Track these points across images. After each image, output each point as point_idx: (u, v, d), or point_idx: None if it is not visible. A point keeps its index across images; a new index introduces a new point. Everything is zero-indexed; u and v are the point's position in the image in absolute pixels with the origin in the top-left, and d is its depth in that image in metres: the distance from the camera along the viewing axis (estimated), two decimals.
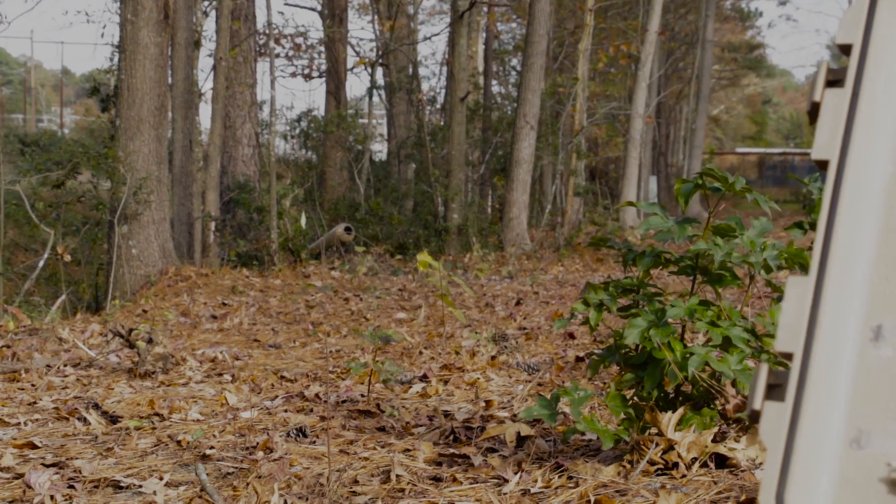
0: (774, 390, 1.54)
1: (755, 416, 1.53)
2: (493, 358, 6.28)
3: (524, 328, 8.35)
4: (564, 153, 22.08)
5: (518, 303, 10.75)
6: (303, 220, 15.95)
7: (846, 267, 1.56)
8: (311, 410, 4.78)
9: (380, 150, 30.10)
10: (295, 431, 4.21)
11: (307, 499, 3.29)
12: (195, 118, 15.16)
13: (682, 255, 3.63)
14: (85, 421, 4.54)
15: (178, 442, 4.15)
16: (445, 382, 5.43)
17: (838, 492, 1.50)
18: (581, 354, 6.36)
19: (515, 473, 3.53)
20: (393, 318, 9.58)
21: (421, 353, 6.73)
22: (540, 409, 3.65)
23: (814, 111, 1.65)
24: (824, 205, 1.58)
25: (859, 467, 1.50)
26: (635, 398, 3.67)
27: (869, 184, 1.60)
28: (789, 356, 1.54)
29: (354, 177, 21.13)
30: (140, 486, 3.49)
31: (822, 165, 1.62)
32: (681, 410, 3.55)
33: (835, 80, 1.65)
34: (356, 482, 3.55)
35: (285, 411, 4.76)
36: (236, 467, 3.74)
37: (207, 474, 3.62)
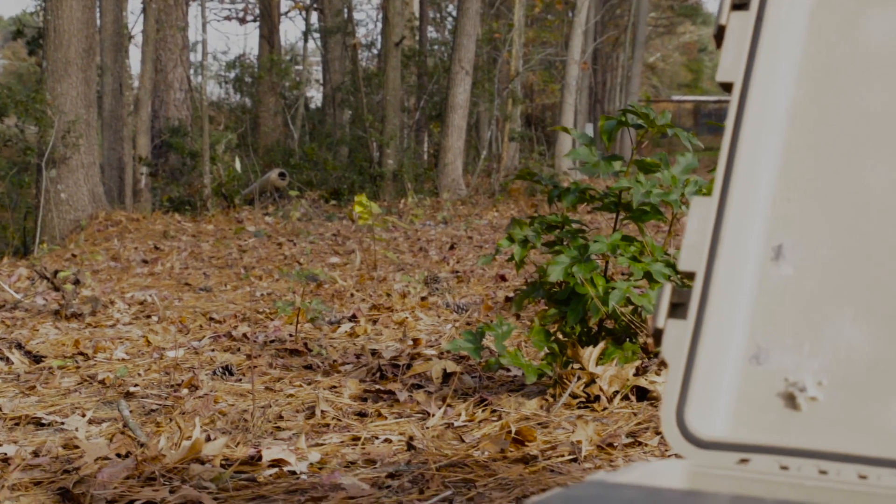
0: (677, 309, 1.56)
1: (658, 335, 1.56)
2: (423, 299, 6.30)
3: (457, 272, 8.38)
4: (500, 99, 22.06)
5: (452, 247, 10.77)
6: (237, 166, 15.83)
7: (748, 188, 1.58)
8: (239, 350, 4.77)
9: (315, 94, 29.87)
10: (221, 370, 4.20)
11: (231, 434, 3.30)
12: (125, 61, 14.92)
13: (605, 192, 3.65)
14: (7, 360, 4.50)
15: (102, 381, 4.13)
16: (374, 322, 5.44)
17: (737, 407, 1.53)
18: (511, 295, 6.40)
19: (440, 408, 3.55)
20: (326, 262, 9.56)
21: (352, 295, 6.73)
22: (464, 344, 3.68)
23: (719, 35, 1.67)
24: (728, 127, 1.60)
25: (758, 383, 1.53)
26: (558, 333, 3.70)
27: (772, 106, 1.61)
28: (692, 275, 1.56)
29: (289, 122, 20.97)
30: (62, 423, 3.47)
31: (727, 88, 1.63)
32: (602, 345, 3.59)
33: (740, 4, 1.66)
34: (281, 418, 3.55)
35: (212, 351, 4.75)
36: (160, 404, 3.73)
37: (131, 411, 3.61)
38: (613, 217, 3.73)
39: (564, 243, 3.61)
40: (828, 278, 1.54)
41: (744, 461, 1.47)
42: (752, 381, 1.54)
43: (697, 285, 1.55)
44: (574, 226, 3.64)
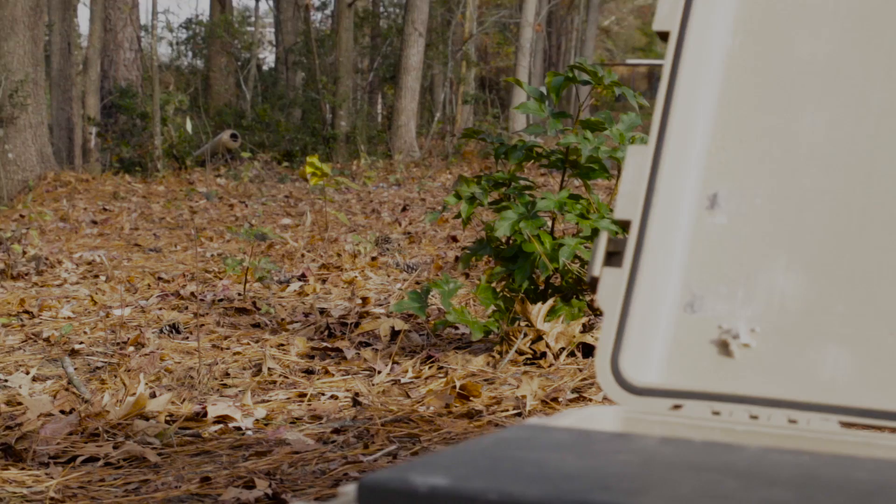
0: (613, 257, 1.57)
1: (594, 283, 1.56)
2: (373, 259, 6.30)
3: (408, 233, 8.38)
4: (454, 62, 21.99)
5: (404, 209, 10.76)
6: (188, 127, 15.70)
7: (684, 137, 1.59)
8: (186, 308, 4.75)
9: (267, 56, 29.62)
10: (168, 328, 4.18)
11: (176, 390, 3.29)
12: (73, 20, 14.72)
13: (552, 150, 3.66)
14: None
15: (47, 339, 4.10)
16: (324, 282, 5.43)
17: (671, 354, 1.55)
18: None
19: (387, 365, 3.56)
20: (278, 223, 9.52)
21: (303, 255, 6.70)
22: (410, 303, 3.68)
23: None
24: (664, 76, 1.60)
25: (692, 330, 1.55)
26: (506, 291, 3.72)
27: (708, 56, 1.62)
28: (627, 224, 1.57)
29: (241, 84, 20.80)
30: (6, 381, 3.45)
31: (664, 37, 1.64)
32: (550, 302, 3.60)
33: None
34: (227, 375, 3.55)
35: (160, 310, 4.72)
36: (106, 362, 3.71)
37: (75, 369, 3.59)
38: (560, 177, 3.74)
39: (512, 200, 3.61)
40: (762, 227, 1.56)
41: (677, 407, 1.48)
42: (686, 328, 1.55)
43: (633, 234, 1.56)
44: (521, 183, 3.64)
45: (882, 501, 0.98)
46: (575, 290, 3.69)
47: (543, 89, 3.52)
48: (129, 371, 3.51)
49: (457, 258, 6.24)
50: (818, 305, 1.50)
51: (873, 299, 1.48)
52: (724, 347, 1.52)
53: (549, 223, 3.70)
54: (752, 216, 1.56)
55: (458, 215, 3.68)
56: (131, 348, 3.88)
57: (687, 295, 1.56)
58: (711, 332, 1.54)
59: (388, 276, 5.67)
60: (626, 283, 1.54)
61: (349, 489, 1.10)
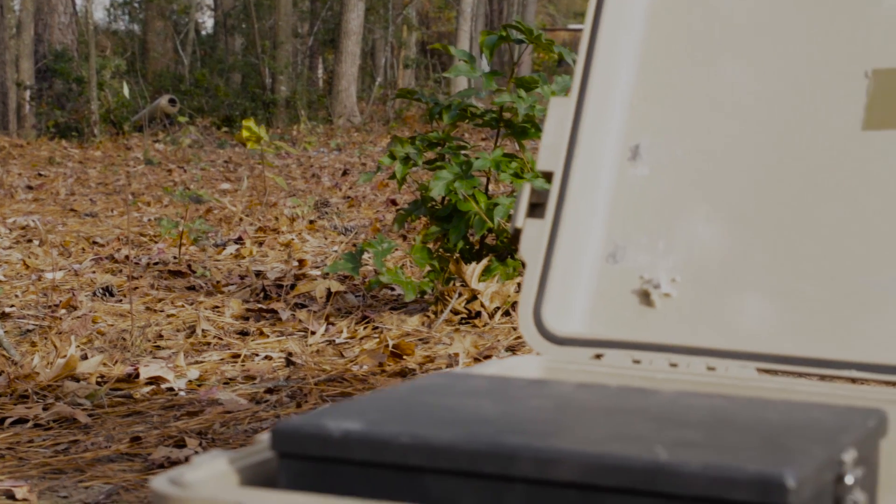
0: (536, 209, 1.57)
1: (517, 235, 1.57)
2: (311, 223, 6.27)
3: (348, 197, 8.35)
4: (395, 26, 21.88)
5: (344, 173, 10.71)
6: (126, 91, 15.52)
7: (606, 89, 1.59)
8: (121, 272, 4.70)
9: (206, 20, 29.29)
10: (101, 291, 4.14)
11: (108, 352, 3.26)
12: None
13: (487, 109, 3.65)
14: None
15: None
16: (260, 244, 5.40)
17: (593, 304, 1.56)
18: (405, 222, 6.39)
19: (322, 326, 3.55)
20: (217, 188, 9.44)
21: (241, 220, 6.66)
22: (344, 263, 3.67)
23: None
24: (585, 28, 1.60)
25: (614, 281, 1.56)
26: (441, 251, 3.72)
27: (630, 9, 1.62)
28: (550, 175, 1.57)
29: (178, 48, 20.57)
30: None
31: None
32: (485, 261, 3.61)
33: None
34: (161, 337, 3.52)
35: (93, 273, 4.68)
36: (37, 325, 3.67)
37: (6, 331, 3.55)
38: (495, 137, 3.74)
39: (446, 160, 3.61)
40: (683, 178, 1.57)
41: (598, 356, 1.49)
42: (608, 279, 1.56)
43: (555, 185, 1.56)
44: (456, 143, 3.64)
45: (790, 440, 1.00)
46: (510, 250, 3.70)
47: (483, 60, 3.51)
48: (60, 333, 3.47)
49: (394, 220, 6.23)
50: (738, 255, 1.52)
51: (792, 249, 1.50)
52: (645, 297, 1.54)
53: (484, 183, 3.70)
54: (673, 167, 1.57)
55: (393, 176, 3.67)
56: (63, 311, 3.84)
57: (609, 246, 1.57)
58: (633, 283, 1.55)
59: (326, 238, 5.66)
60: (548, 234, 1.54)
61: (264, 437, 1.09)
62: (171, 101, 15.64)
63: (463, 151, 3.64)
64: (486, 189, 3.68)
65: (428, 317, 3.60)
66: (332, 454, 1.02)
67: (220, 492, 0.98)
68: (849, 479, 1.01)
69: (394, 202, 7.69)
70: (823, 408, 1.12)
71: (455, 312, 3.58)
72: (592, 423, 1.06)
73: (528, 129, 3.58)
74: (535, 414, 1.08)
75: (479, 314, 3.58)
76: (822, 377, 1.41)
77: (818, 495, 0.98)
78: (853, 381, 1.54)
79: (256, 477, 1.07)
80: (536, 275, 1.53)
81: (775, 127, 1.55)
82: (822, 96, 1.53)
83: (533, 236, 1.54)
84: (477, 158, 3.50)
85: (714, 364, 1.45)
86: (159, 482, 1.00)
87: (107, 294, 4.13)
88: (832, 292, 1.46)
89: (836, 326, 1.45)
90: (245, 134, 7.66)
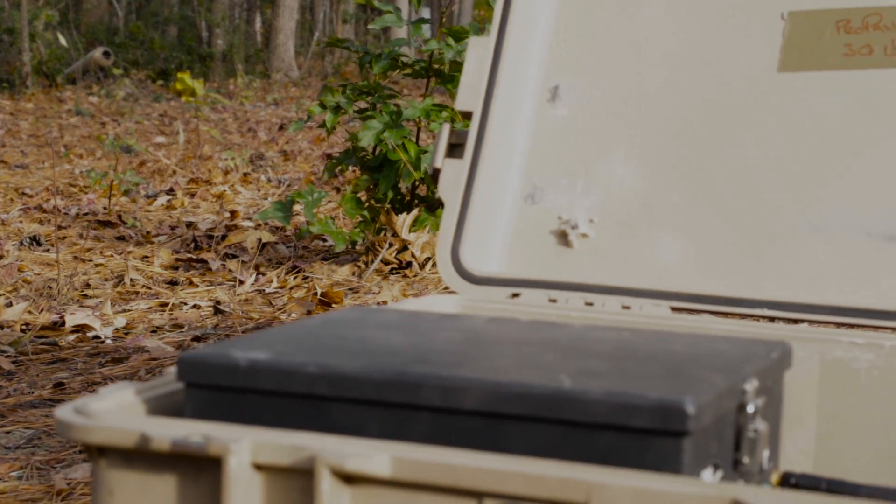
0: (455, 149, 1.57)
1: (436, 175, 1.57)
2: (245, 175, 6.23)
3: (284, 151, 8.30)
4: None
5: (281, 128, 10.63)
6: (62, 41, 15.27)
7: (525, 29, 1.59)
8: (49, 222, 4.64)
9: None
10: (28, 240, 4.09)
11: (34, 301, 3.22)
12: None
13: (417, 59, 3.64)
14: None
15: None
16: (192, 196, 5.36)
17: (511, 245, 1.56)
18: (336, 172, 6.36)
19: (252, 275, 3.53)
20: (152, 142, 9.34)
21: (174, 172, 6.60)
22: (275, 212, 3.66)
23: None
24: None
25: (532, 221, 1.56)
26: (372, 201, 3.71)
27: None
28: (469, 115, 1.57)
29: (113, 0, 20.24)
30: None
31: None
32: (415, 211, 3.61)
33: None
34: (88, 286, 3.49)
35: (20, 223, 4.61)
36: None
37: None
38: (425, 86, 3.73)
39: (377, 109, 3.59)
40: (601, 119, 1.57)
41: (515, 295, 1.50)
42: (526, 219, 1.57)
43: (474, 125, 1.56)
44: (386, 92, 3.62)
45: (693, 370, 1.01)
46: (440, 201, 3.69)
47: (426, 12, 3.50)
48: None
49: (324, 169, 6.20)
50: (655, 196, 1.53)
51: (708, 189, 1.51)
52: (563, 238, 1.55)
53: (415, 132, 3.69)
54: (592, 108, 1.58)
55: (323, 124, 3.65)
56: None
57: (527, 186, 1.57)
58: (551, 223, 1.56)
59: (259, 191, 5.62)
60: (466, 174, 1.54)
61: (172, 369, 1.09)
62: (106, 54, 15.41)
63: (393, 101, 3.63)
64: (417, 139, 3.67)
65: (358, 267, 3.59)
66: (239, 384, 1.01)
67: (124, 421, 0.98)
68: (750, 408, 1.02)
69: (329, 156, 7.65)
70: (728, 340, 1.14)
71: (385, 263, 3.58)
72: (500, 354, 1.07)
73: (457, 77, 3.57)
74: (444, 345, 1.08)
75: (409, 264, 3.58)
76: (734, 315, 1.43)
77: (719, 423, 0.99)
78: (769, 319, 1.56)
79: (164, 408, 1.07)
80: (455, 215, 1.53)
81: (693, 69, 1.56)
82: (738, 38, 1.54)
83: (452, 176, 1.54)
84: (407, 107, 3.49)
85: (629, 303, 1.46)
86: (64, 411, 0.99)
87: (34, 243, 4.07)
88: (747, 232, 1.48)
89: (750, 266, 1.47)
90: (179, 86, 7.58)
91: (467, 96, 1.56)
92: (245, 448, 0.93)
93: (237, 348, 1.04)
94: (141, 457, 0.98)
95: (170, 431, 0.95)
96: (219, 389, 1.02)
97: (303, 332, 1.12)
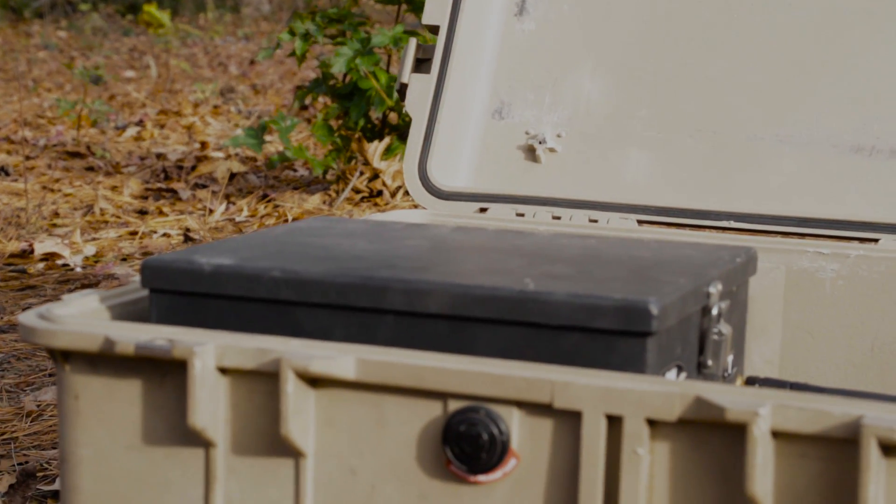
0: (423, 64, 1.56)
1: (403, 90, 1.56)
2: (215, 107, 6.18)
3: (255, 85, 8.23)
4: None
5: (252, 62, 10.54)
6: None
7: None
8: (17, 152, 4.60)
9: None
10: None
11: (3, 230, 3.20)
12: None
13: None
14: None
15: None
16: (162, 127, 5.31)
17: (479, 160, 1.56)
18: (307, 103, 6.32)
19: (222, 204, 3.52)
20: (122, 76, 9.24)
21: (144, 105, 6.54)
22: (246, 139, 3.63)
23: None
24: None
25: (500, 136, 1.56)
26: (343, 129, 3.69)
27: None
28: (435, 29, 1.56)
29: None
30: None
31: None
32: (387, 140, 3.59)
33: None
34: (57, 215, 3.47)
35: None
36: None
37: None
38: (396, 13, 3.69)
39: (347, 36, 3.56)
40: (569, 33, 1.56)
41: (482, 210, 1.50)
42: (494, 134, 1.56)
43: (441, 40, 1.55)
44: (356, 19, 3.59)
45: (658, 273, 1.01)
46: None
47: None
48: None
49: (302, 106, 6.16)
50: (622, 110, 1.53)
51: (676, 103, 1.51)
52: (530, 152, 1.54)
53: (386, 60, 3.66)
54: (559, 22, 1.57)
55: (293, 54, 3.62)
56: None
57: (495, 101, 1.57)
58: (519, 138, 1.55)
59: (229, 121, 5.58)
60: (433, 89, 1.53)
61: (138, 277, 1.08)
62: None
63: (364, 28, 3.60)
64: (388, 67, 3.64)
65: (329, 195, 3.58)
66: (203, 289, 1.01)
67: (88, 325, 0.97)
68: (714, 311, 1.03)
69: (300, 87, 7.59)
70: (694, 246, 1.14)
71: (357, 191, 3.57)
72: (465, 260, 1.07)
73: None
74: (410, 252, 1.08)
75: (380, 193, 3.57)
76: (700, 227, 1.43)
77: (683, 325, 1.00)
78: (736, 231, 1.57)
79: (129, 315, 1.07)
80: (422, 130, 1.52)
81: None
82: None
83: (419, 91, 1.54)
84: (377, 34, 3.46)
85: (596, 216, 1.46)
86: (27, 316, 0.99)
87: (2, 173, 4.04)
88: (714, 146, 1.48)
89: (717, 179, 1.47)
90: (147, 17, 7.48)
91: (434, 10, 1.55)
92: (210, 351, 0.93)
93: (201, 254, 1.03)
94: (105, 361, 0.97)
95: (134, 335, 0.95)
96: (183, 295, 1.02)
97: (267, 239, 1.12)
